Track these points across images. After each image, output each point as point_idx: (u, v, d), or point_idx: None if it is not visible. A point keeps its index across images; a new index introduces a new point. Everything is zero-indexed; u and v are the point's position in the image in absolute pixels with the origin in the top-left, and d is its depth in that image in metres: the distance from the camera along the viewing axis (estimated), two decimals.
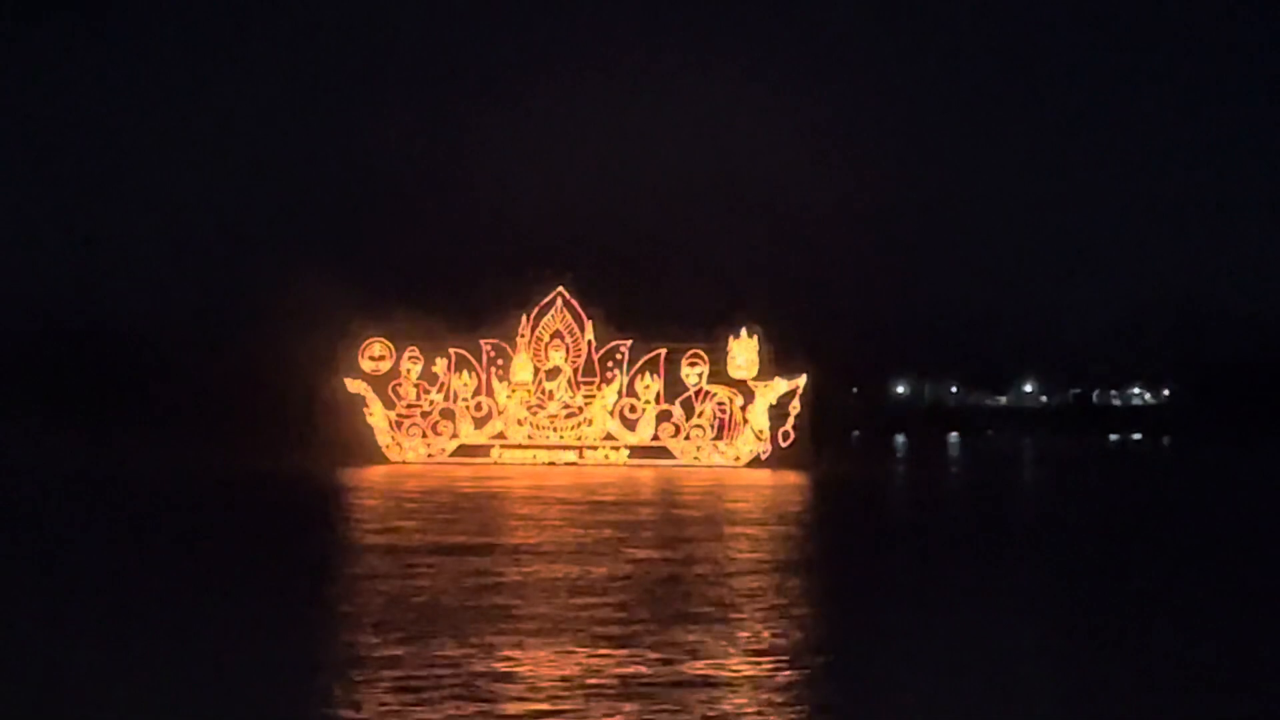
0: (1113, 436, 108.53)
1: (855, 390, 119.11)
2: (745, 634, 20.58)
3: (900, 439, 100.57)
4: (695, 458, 60.47)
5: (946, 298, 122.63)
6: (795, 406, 60.43)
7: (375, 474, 55.70)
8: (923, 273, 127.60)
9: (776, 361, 61.12)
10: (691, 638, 20.09)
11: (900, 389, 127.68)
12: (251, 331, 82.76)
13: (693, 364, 60.99)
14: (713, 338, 61.30)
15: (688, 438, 60.80)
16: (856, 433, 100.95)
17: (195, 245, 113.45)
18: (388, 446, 61.10)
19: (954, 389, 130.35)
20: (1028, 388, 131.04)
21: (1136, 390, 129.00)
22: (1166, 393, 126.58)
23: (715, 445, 60.67)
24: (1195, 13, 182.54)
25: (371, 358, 61.28)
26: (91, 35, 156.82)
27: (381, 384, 61.17)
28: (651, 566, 27.66)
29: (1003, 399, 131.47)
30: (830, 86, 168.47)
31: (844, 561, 30.37)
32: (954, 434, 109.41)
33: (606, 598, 23.56)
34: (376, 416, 61.07)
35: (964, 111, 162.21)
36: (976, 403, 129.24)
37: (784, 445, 60.39)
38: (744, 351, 60.83)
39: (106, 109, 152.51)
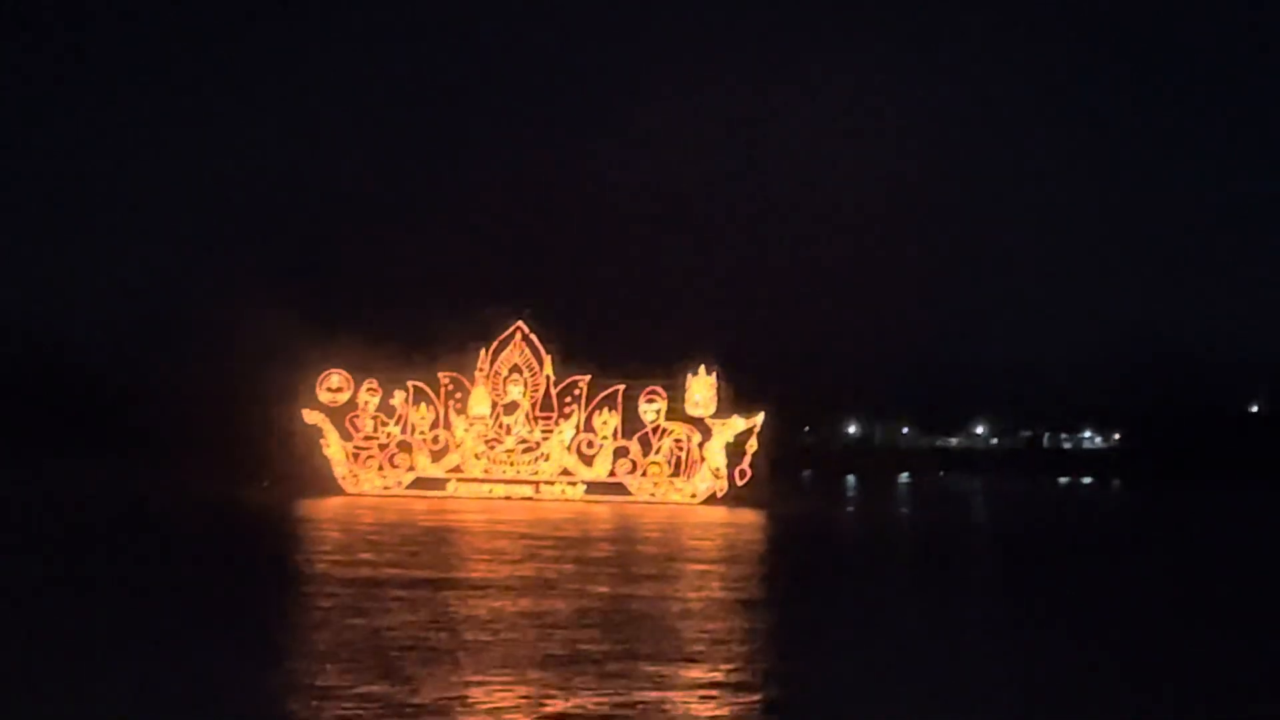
0: (1063, 479, 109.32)
1: (807, 430, 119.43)
2: (703, 671, 20.75)
3: (851, 479, 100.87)
4: (652, 494, 60.64)
5: (900, 339, 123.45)
6: (752, 445, 60.71)
7: (332, 506, 55.61)
8: (876, 314, 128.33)
9: (734, 399, 61.41)
10: (652, 670, 20.28)
11: (852, 429, 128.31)
12: (209, 362, 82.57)
13: (651, 400, 61.23)
14: (671, 375, 61.56)
15: (644, 474, 60.99)
16: (808, 472, 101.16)
17: (153, 275, 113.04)
18: (344, 478, 61.11)
19: (905, 430, 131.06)
20: (979, 430, 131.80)
21: (1087, 434, 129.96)
22: (1117, 437, 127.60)
23: (672, 482, 60.86)
24: (1136, 68, 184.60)
25: (329, 389, 61.36)
26: (46, 69, 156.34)
27: (339, 415, 61.24)
28: (615, 603, 27.78)
29: (954, 440, 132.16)
30: (786, 131, 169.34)
31: (800, 600, 30.56)
32: (905, 475, 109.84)
33: (572, 633, 23.70)
34: (333, 448, 61.09)
35: (919, 158, 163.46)
36: (928, 444, 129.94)
37: (740, 483, 60.60)
38: (702, 389, 61.12)
39: (67, 137, 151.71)
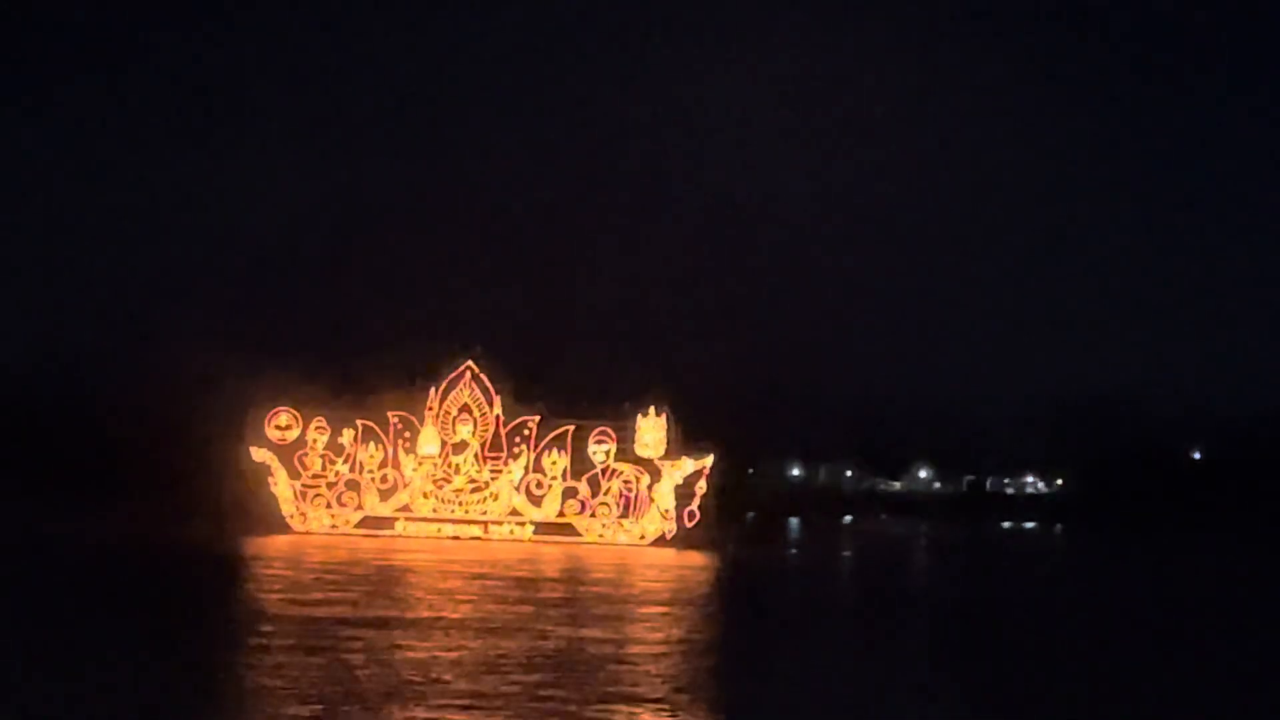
0: (1006, 524, 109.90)
1: (751, 471, 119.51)
2: (661, 712, 20.86)
3: (794, 521, 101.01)
4: (600, 535, 60.53)
5: (844, 382, 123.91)
6: (701, 487, 60.71)
7: (281, 544, 55.31)
8: (821, 357, 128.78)
9: (683, 441, 61.45)
10: (613, 712, 20.40)
11: (795, 471, 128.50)
12: (157, 399, 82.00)
13: (600, 441, 61.17)
14: (621, 416, 61.53)
15: (593, 515, 60.88)
16: (751, 514, 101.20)
17: (101, 312, 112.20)
18: (292, 516, 60.71)
19: (849, 473, 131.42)
20: (922, 474, 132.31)
21: (1030, 479, 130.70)
22: (1059, 482, 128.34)
23: (621, 523, 60.77)
24: (1076, 113, 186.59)
25: (278, 427, 61.02)
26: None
27: (287, 454, 60.87)
28: (572, 644, 27.84)
29: (897, 484, 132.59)
30: (731, 180, 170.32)
31: (751, 643, 30.73)
32: (847, 518, 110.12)
33: (533, 675, 23.76)
34: (281, 486, 60.72)
35: (866, 205, 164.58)
36: (871, 487, 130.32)
37: (689, 525, 60.58)
38: (651, 430, 61.10)
39: (8, 172, 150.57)
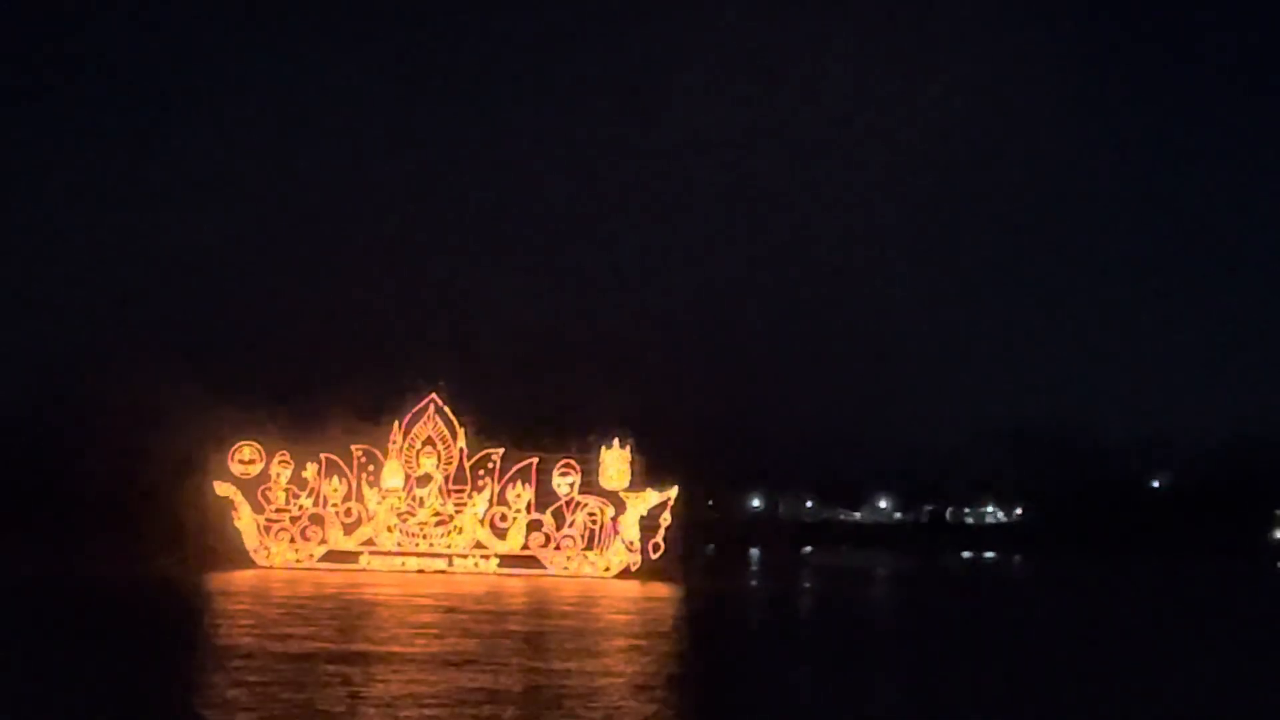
0: (965, 554, 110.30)
1: (710, 502, 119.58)
2: None
3: (754, 552, 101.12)
4: (565, 568, 60.46)
5: (804, 413, 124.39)
6: (666, 518, 60.79)
7: (245, 579, 54.99)
8: (780, 387, 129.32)
9: (647, 472, 61.51)
10: None
11: (755, 502, 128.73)
12: (117, 433, 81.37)
13: (564, 473, 61.18)
14: (585, 448, 61.57)
15: (558, 547, 60.82)
16: (711, 545, 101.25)
17: (60, 345, 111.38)
18: (255, 551, 60.42)
19: (809, 504, 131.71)
20: (883, 504, 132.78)
21: (990, 509, 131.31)
22: (1019, 511, 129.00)
23: (585, 555, 60.73)
24: (1031, 148, 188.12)
25: (241, 461, 60.76)
26: None
27: (251, 488, 60.60)
28: (551, 679, 27.81)
29: (857, 515, 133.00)
30: (689, 205, 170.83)
31: (728, 675, 30.77)
32: (808, 548, 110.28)
33: (518, 710, 23.74)
34: (245, 520, 60.43)
35: (823, 237, 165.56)
36: (831, 518, 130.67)
37: (654, 556, 60.60)
38: (615, 462, 61.17)
39: None
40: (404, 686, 26.03)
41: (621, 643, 36.46)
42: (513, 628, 39.13)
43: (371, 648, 32.58)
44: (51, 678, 26.43)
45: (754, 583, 72.48)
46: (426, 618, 40.90)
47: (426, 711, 23.32)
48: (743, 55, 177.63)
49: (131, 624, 38.00)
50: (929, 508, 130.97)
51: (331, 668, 28.35)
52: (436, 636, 35.77)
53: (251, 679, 26.53)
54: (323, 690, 25.51)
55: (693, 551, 66.05)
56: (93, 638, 33.99)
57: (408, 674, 27.70)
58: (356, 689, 25.63)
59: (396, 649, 32.73)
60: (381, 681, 26.68)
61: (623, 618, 43.65)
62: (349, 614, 41.83)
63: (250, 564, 59.73)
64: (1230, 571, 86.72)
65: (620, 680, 28.20)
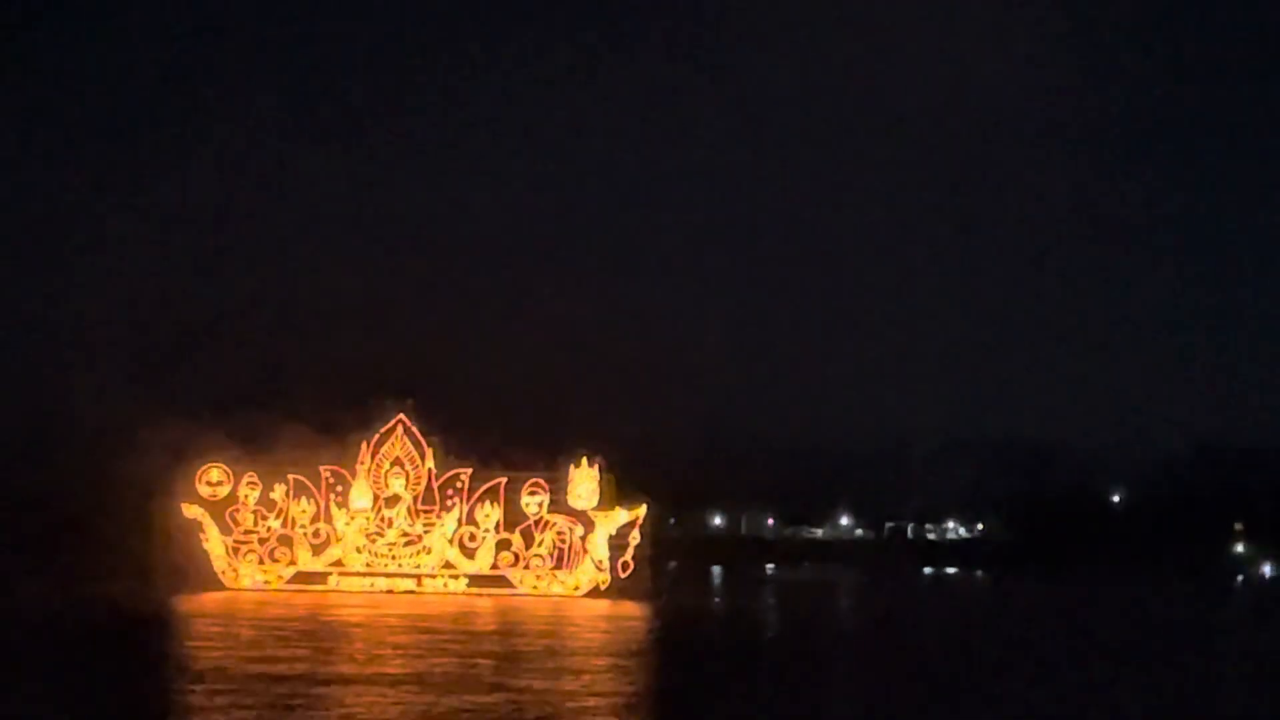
0: (928, 570, 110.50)
1: (672, 521, 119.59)
2: None
3: (717, 570, 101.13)
4: (535, 587, 60.35)
5: (765, 430, 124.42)
6: (635, 537, 60.76)
7: (215, 601, 54.70)
8: (741, 406, 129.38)
9: (616, 492, 61.50)
10: None
11: (717, 520, 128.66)
12: (82, 455, 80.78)
13: (533, 493, 61.09)
14: (553, 467, 61.54)
15: (527, 567, 60.72)
16: (673, 563, 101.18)
17: (26, 365, 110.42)
18: (224, 572, 60.07)
19: (770, 521, 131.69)
20: (844, 520, 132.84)
21: (952, 524, 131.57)
22: (981, 527, 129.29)
23: (555, 574, 60.64)
24: (991, 163, 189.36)
25: (209, 483, 60.46)
26: None
27: (219, 509, 60.30)
28: (542, 698, 27.89)
29: (819, 531, 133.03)
30: (649, 224, 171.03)
31: (710, 693, 30.92)
32: (770, 566, 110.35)
33: None
34: (213, 542, 60.12)
35: (783, 252, 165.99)
36: (793, 535, 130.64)
37: (623, 575, 60.57)
38: (584, 481, 61.12)
39: None
40: (394, 709, 26.02)
41: (601, 662, 36.65)
42: (491, 648, 39.18)
43: (354, 669, 32.65)
44: (38, 704, 26.23)
45: (721, 600, 72.46)
46: (403, 638, 40.92)
47: None
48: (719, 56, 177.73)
49: (109, 648, 37.74)
50: (890, 524, 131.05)
51: (319, 690, 28.34)
52: (417, 657, 35.80)
53: (243, 702, 26.47)
54: (315, 713, 25.49)
55: (658, 570, 65.94)
56: (71, 663, 33.69)
57: (395, 695, 27.72)
58: (348, 711, 25.61)
59: (380, 670, 32.77)
60: (370, 702, 26.70)
61: (599, 636, 43.85)
62: (326, 635, 41.82)
63: (218, 586, 59.33)
64: (1189, 586, 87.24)
65: (606, 699, 28.32)
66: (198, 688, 29.06)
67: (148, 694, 27.79)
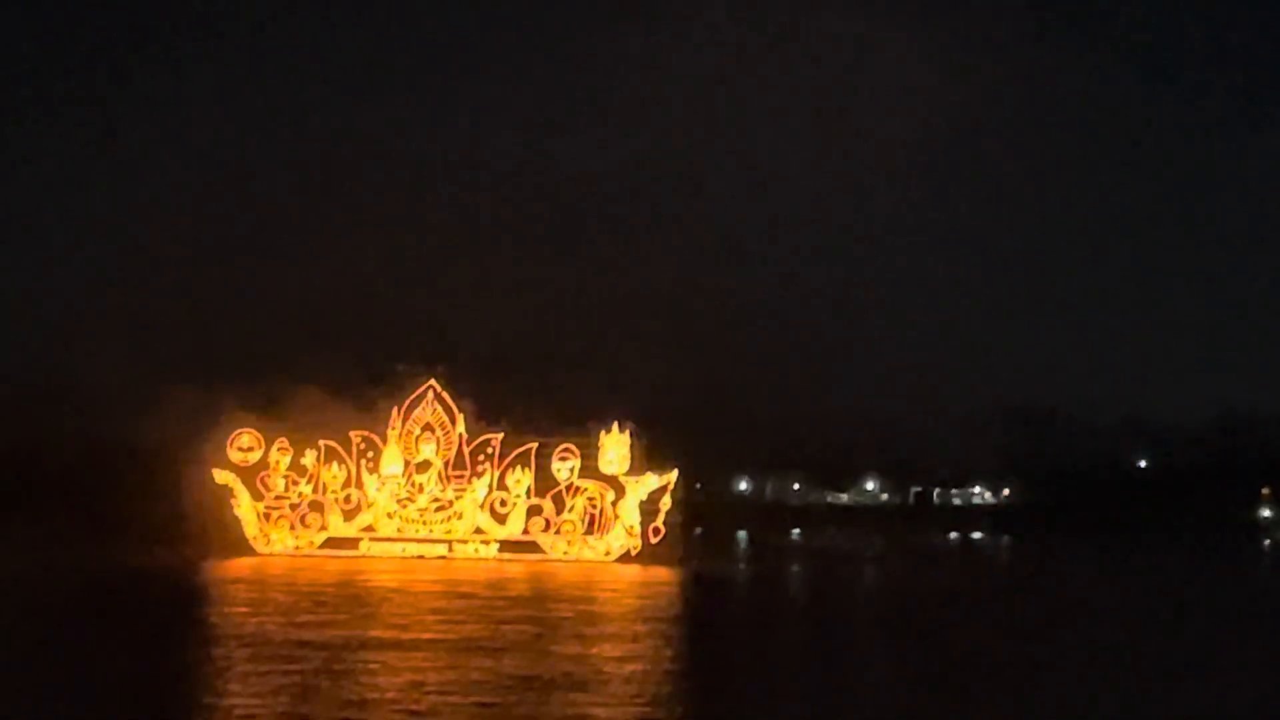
0: (953, 535, 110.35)
1: (699, 486, 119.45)
2: None
3: (742, 535, 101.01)
4: (565, 552, 60.25)
5: (791, 395, 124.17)
6: (665, 502, 60.62)
7: (247, 567, 54.60)
8: (766, 370, 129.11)
9: (647, 457, 61.33)
10: None
11: (743, 485, 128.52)
12: (108, 423, 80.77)
13: (564, 458, 60.94)
14: (584, 432, 61.36)
15: (558, 532, 60.62)
16: (698, 529, 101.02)
17: (59, 334, 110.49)
18: (255, 538, 60.00)
19: (796, 486, 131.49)
20: (869, 485, 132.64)
21: (977, 489, 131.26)
22: (1006, 492, 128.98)
23: (585, 540, 60.53)
24: (1011, 132, 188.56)
25: (240, 448, 60.35)
26: None
27: (250, 475, 60.23)
28: (588, 664, 27.77)
29: (844, 496, 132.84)
30: (689, 194, 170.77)
31: (754, 657, 30.80)
32: (795, 531, 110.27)
33: (587, 694, 23.70)
34: (244, 508, 60.04)
35: (812, 216, 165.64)
36: (819, 500, 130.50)
37: (654, 541, 60.44)
38: (615, 446, 60.94)
39: None
40: (440, 674, 25.90)
41: (640, 627, 36.53)
42: (529, 613, 38.96)
43: (395, 635, 32.46)
44: (82, 671, 26.16)
45: (748, 567, 72.29)
46: (440, 604, 40.86)
47: (472, 699, 23.19)
48: (733, 36, 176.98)
49: (148, 615, 37.66)
50: (916, 489, 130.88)
51: (362, 656, 28.25)
52: (456, 622, 35.65)
53: (289, 668, 26.34)
54: (361, 679, 25.38)
55: (686, 536, 65.80)
56: (112, 630, 33.62)
57: (440, 660, 27.61)
58: (394, 677, 25.49)
59: (420, 635, 32.62)
60: (417, 667, 26.58)
61: (634, 601, 43.79)
62: (362, 601, 41.76)
63: (249, 552, 59.28)
64: (1216, 551, 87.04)
65: (651, 664, 28.27)
66: (241, 654, 28.89)
67: (191, 661, 27.59)
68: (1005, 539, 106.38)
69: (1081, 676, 28.15)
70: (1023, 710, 24.17)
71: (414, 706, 22.23)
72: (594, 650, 30.22)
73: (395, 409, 61.16)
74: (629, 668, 27.56)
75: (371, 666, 26.90)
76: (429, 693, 23.63)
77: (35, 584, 46.40)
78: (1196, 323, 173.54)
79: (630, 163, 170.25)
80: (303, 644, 29.83)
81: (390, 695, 23.43)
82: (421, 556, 59.94)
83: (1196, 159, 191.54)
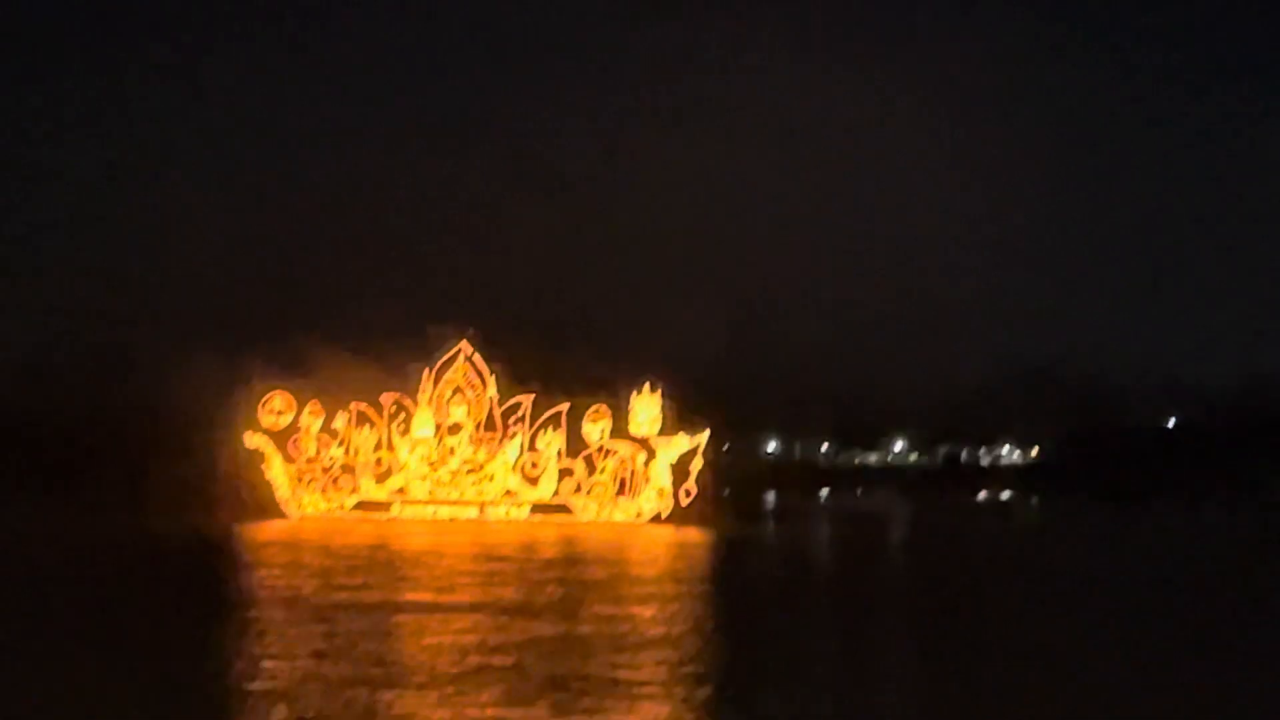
0: (982, 495, 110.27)
1: (726, 447, 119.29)
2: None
3: (770, 496, 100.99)
4: (597, 514, 60.27)
5: (819, 354, 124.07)
6: (697, 464, 60.59)
7: (280, 530, 54.71)
8: (794, 329, 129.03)
9: (678, 418, 61.25)
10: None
11: (771, 446, 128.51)
12: (138, 388, 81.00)
13: (595, 420, 60.90)
14: (615, 394, 61.27)
15: (589, 494, 60.62)
16: (727, 490, 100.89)
17: (88, 296, 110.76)
18: (287, 501, 60.14)
19: (825, 446, 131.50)
20: (898, 446, 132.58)
21: (1006, 449, 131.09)
22: (1035, 452, 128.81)
23: (617, 502, 60.53)
24: (1043, 90, 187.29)
25: (272, 412, 60.43)
26: None
27: (281, 439, 60.30)
28: (629, 625, 27.70)
29: (873, 457, 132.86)
30: (718, 156, 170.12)
31: (798, 618, 30.69)
32: (824, 491, 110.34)
33: (626, 655, 23.64)
34: (276, 471, 60.13)
35: (842, 172, 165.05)
36: (847, 460, 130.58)
37: (685, 502, 60.42)
38: (646, 408, 60.88)
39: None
40: (483, 636, 25.79)
41: (676, 588, 36.51)
42: (565, 574, 38.94)
43: (433, 597, 32.42)
44: (124, 633, 26.13)
45: (779, 528, 72.23)
46: (475, 566, 40.80)
47: (514, 660, 23.10)
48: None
49: (185, 578, 37.71)
50: (945, 449, 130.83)
51: (403, 618, 28.25)
52: (493, 584, 35.59)
53: (333, 630, 26.31)
54: (404, 640, 25.37)
55: (716, 497, 65.76)
56: (152, 593, 33.62)
57: (481, 623, 27.50)
58: (438, 639, 25.45)
59: (459, 598, 32.53)
60: (460, 629, 26.51)
61: (669, 563, 43.76)
62: (397, 563, 41.81)
63: (280, 515, 59.43)
64: (1248, 511, 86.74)
65: (688, 625, 28.25)
66: (280, 616, 28.85)
67: (232, 623, 27.55)
68: (1034, 499, 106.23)
69: (1111, 639, 27.97)
70: (1054, 666, 23.96)
71: (457, 670, 22.10)
72: (631, 611, 30.12)
73: (426, 371, 61.15)
74: (667, 629, 27.46)
75: (411, 629, 26.86)
76: (471, 655, 23.49)
77: (71, 550, 46.45)
78: (1226, 282, 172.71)
79: (663, 116, 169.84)
80: (341, 607, 29.79)
81: (433, 658, 23.32)
82: (453, 519, 60.02)
83: (1227, 115, 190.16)
